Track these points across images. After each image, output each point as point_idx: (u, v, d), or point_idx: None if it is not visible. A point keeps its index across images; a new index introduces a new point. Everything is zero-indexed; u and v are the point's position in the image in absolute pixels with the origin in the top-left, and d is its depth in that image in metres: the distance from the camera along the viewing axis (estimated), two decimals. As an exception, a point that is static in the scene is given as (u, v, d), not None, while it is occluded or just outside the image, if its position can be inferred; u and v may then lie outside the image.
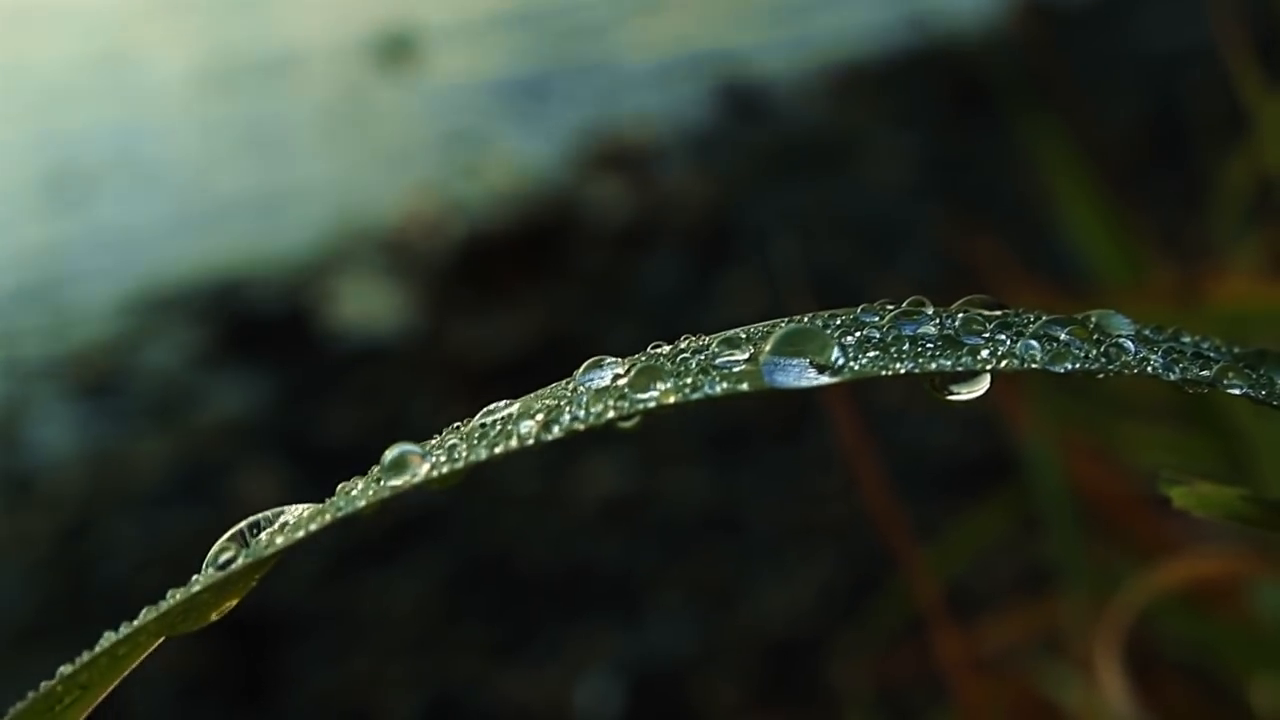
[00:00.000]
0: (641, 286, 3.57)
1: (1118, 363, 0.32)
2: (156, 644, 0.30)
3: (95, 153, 4.85)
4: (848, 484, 2.50)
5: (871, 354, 0.31)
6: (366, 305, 3.67)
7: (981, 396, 0.33)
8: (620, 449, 2.81)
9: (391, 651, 2.44)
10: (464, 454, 0.30)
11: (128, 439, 3.21)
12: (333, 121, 5.00)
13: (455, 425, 0.32)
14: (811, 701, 2.10)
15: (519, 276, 3.64)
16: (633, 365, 0.31)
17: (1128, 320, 0.33)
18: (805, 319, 0.32)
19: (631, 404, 0.30)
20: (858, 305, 0.33)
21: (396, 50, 5.37)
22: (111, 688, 0.30)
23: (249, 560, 0.31)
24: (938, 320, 0.32)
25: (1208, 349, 0.33)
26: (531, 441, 0.29)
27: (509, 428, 0.30)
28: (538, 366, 3.23)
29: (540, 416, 0.30)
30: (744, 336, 0.32)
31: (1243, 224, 1.28)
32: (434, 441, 0.32)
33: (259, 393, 3.31)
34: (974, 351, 0.31)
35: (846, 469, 2.28)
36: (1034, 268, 1.44)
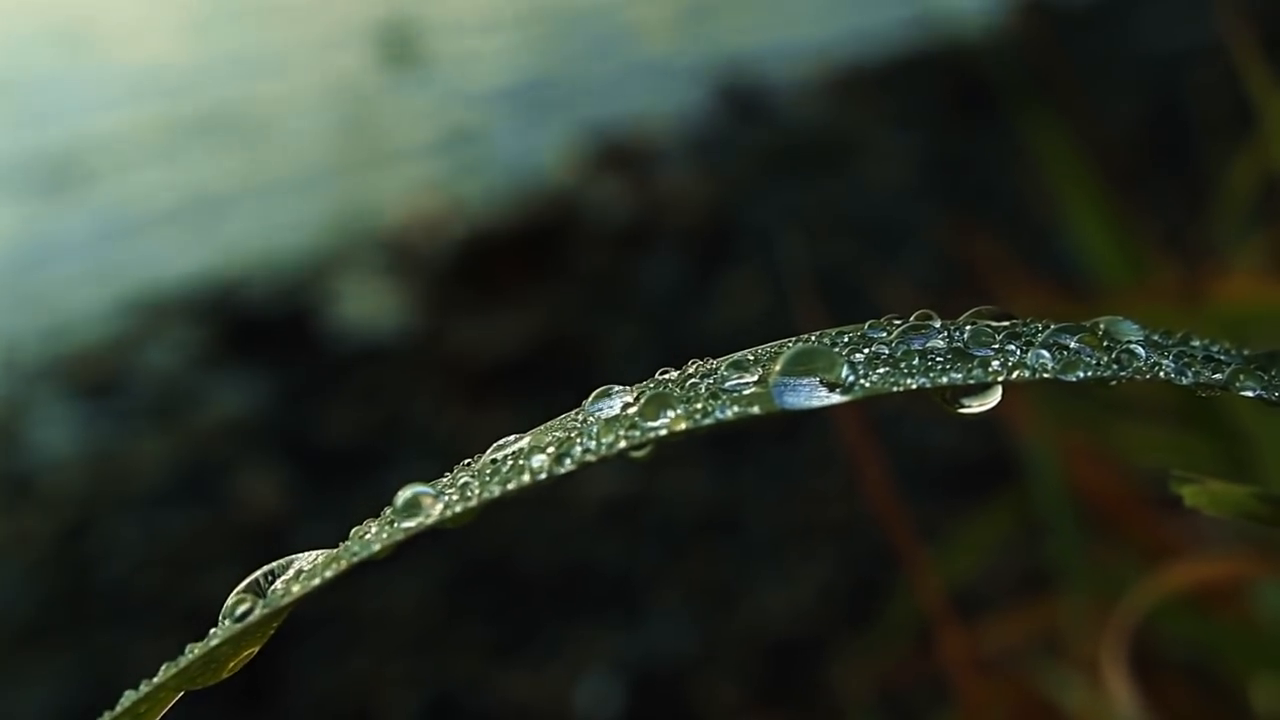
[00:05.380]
0: (641, 286, 3.56)
1: (1130, 369, 0.31)
2: (176, 699, 0.30)
3: (92, 150, 4.85)
4: (848, 484, 2.49)
5: (882, 370, 0.31)
6: (367, 305, 3.67)
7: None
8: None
9: (391, 651, 2.44)
10: (476, 491, 0.30)
11: (128, 439, 3.20)
12: (334, 119, 5.00)
13: (466, 462, 0.32)
14: (812, 702, 2.10)
15: (519, 276, 3.63)
16: (641, 393, 0.31)
17: (1136, 326, 0.33)
18: (812, 338, 0.32)
19: (643, 432, 0.29)
20: (860, 309, 0.33)
21: (399, 48, 5.37)
22: None
23: (266, 610, 0.31)
24: (946, 333, 0.32)
25: (1218, 352, 0.33)
26: (544, 475, 0.29)
27: (520, 462, 0.30)
28: (538, 366, 3.23)
29: (551, 449, 0.30)
30: (752, 359, 0.32)
31: (1246, 223, 1.27)
32: (445, 480, 0.32)
33: (259, 393, 3.31)
34: (985, 363, 0.31)
35: (847, 469, 2.27)
36: (1035, 268, 1.44)
